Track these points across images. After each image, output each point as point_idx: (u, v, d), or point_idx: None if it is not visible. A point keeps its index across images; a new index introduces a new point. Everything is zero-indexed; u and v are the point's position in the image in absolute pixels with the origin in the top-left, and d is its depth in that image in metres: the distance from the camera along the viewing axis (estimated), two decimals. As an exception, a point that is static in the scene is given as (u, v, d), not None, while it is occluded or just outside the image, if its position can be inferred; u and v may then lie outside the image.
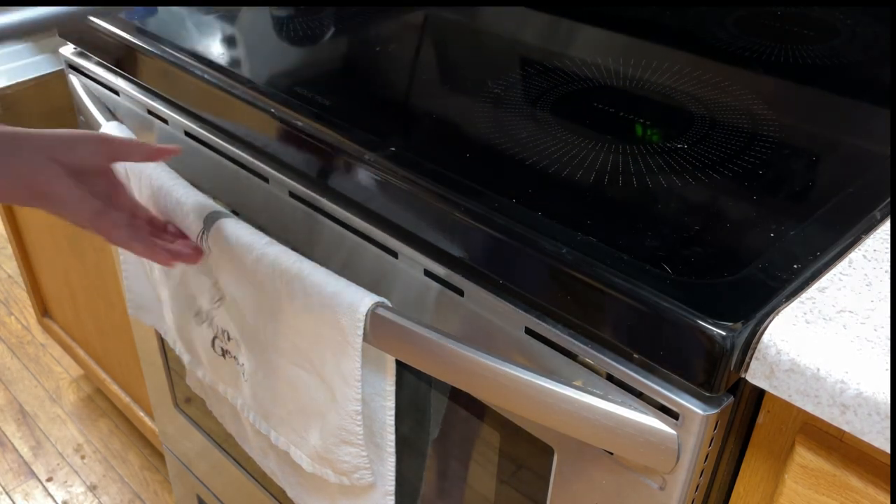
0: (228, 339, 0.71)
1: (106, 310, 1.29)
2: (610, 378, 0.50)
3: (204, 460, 1.12)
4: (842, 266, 0.49)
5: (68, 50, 0.91)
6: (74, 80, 0.89)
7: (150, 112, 0.81)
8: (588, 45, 0.81)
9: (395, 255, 0.61)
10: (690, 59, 0.76)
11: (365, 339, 0.59)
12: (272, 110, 0.67)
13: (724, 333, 0.43)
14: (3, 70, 1.02)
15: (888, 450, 0.41)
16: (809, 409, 0.43)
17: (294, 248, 0.65)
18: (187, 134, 0.77)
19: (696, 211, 0.54)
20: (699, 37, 0.81)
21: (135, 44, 0.79)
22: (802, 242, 0.50)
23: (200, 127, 0.76)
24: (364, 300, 0.58)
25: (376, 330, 0.58)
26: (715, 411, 0.46)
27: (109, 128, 0.80)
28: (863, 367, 0.42)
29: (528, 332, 0.53)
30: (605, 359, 0.50)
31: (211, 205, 0.67)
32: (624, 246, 0.50)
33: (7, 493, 1.45)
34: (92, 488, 1.46)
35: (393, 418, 0.64)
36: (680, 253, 0.50)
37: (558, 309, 0.51)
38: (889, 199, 0.55)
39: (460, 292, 0.57)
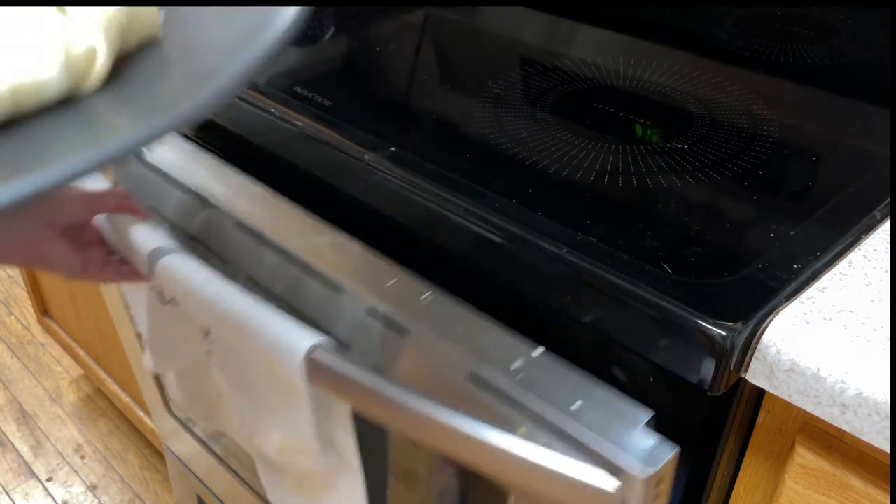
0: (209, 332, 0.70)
1: (106, 310, 1.29)
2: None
3: (202, 461, 1.12)
4: (842, 266, 0.49)
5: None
6: None
7: None
8: (588, 45, 0.81)
9: (338, 289, 0.58)
10: (690, 59, 0.76)
11: (308, 381, 0.56)
12: (272, 110, 0.67)
13: (724, 333, 0.43)
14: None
15: (888, 450, 0.41)
16: (809, 409, 0.43)
17: (243, 277, 0.64)
18: (136, 159, 0.74)
19: (696, 211, 0.54)
20: (699, 37, 0.81)
21: (135, 44, 0.79)
22: (802, 242, 0.50)
23: (145, 154, 0.73)
24: (301, 345, 0.54)
25: (315, 373, 0.55)
26: (653, 471, 0.44)
27: None
28: (863, 367, 0.42)
29: (472, 377, 0.51)
30: (549, 410, 0.47)
31: (154, 239, 0.64)
32: (624, 246, 0.50)
33: (7, 493, 1.45)
34: (92, 488, 1.46)
35: (354, 438, 0.61)
36: (680, 253, 0.50)
37: (558, 309, 0.51)
38: (889, 199, 0.55)
39: (405, 332, 0.55)
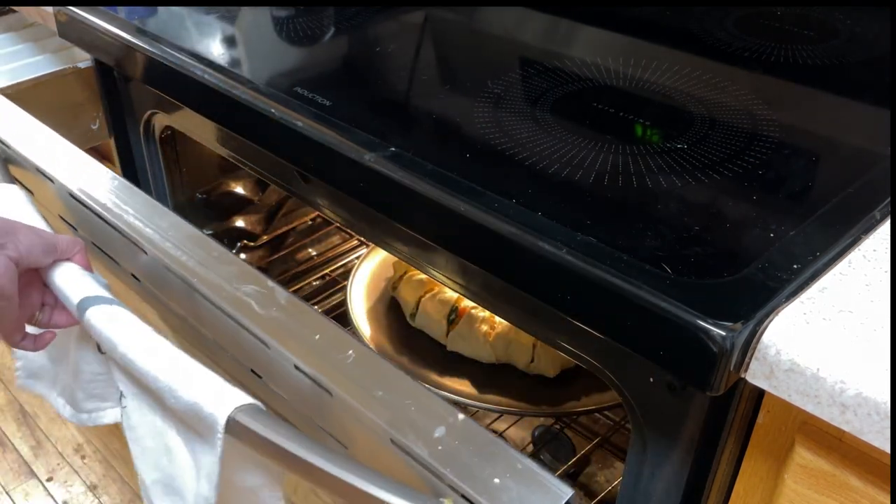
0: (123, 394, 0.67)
1: (106, 310, 1.29)
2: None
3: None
4: (841, 266, 0.49)
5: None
6: None
7: (38, 171, 0.76)
8: (588, 45, 0.81)
9: (266, 344, 0.58)
10: (690, 59, 0.76)
11: (230, 440, 0.54)
12: (272, 111, 0.67)
13: (724, 333, 0.43)
14: (3, 70, 1.02)
15: (888, 449, 0.41)
16: (809, 409, 0.43)
17: (183, 316, 0.63)
18: (72, 196, 0.73)
19: (696, 211, 0.54)
20: (699, 37, 0.81)
21: (135, 44, 0.79)
22: (802, 242, 0.50)
23: (82, 192, 0.72)
24: (220, 411, 0.53)
25: (237, 435, 0.54)
26: None
27: (4, 190, 0.73)
28: (863, 367, 0.42)
29: (395, 443, 0.50)
30: (470, 484, 0.47)
31: (84, 289, 0.62)
32: (624, 246, 0.50)
33: (7, 493, 1.45)
34: (92, 488, 1.46)
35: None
36: (680, 253, 0.50)
37: (557, 308, 0.51)
38: (889, 199, 0.55)
39: (329, 392, 0.54)
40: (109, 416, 0.74)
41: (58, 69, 0.98)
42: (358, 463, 0.48)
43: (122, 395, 0.65)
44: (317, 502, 0.67)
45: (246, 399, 0.53)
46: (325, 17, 0.87)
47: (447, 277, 0.64)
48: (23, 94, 0.95)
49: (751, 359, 0.45)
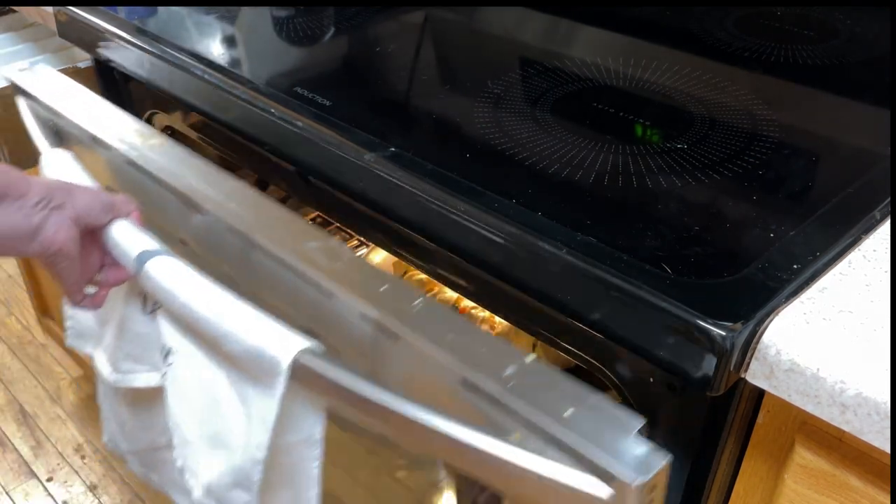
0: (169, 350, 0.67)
1: (106, 310, 1.29)
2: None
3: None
4: (841, 266, 0.49)
5: (15, 70, 0.85)
6: (21, 103, 0.83)
7: (94, 140, 0.76)
8: (588, 45, 0.81)
9: (330, 296, 0.58)
10: (690, 59, 0.76)
11: (290, 385, 0.55)
12: (272, 110, 0.67)
13: (724, 333, 0.43)
14: (3, 70, 1.02)
15: (888, 449, 0.41)
16: (809, 409, 0.43)
17: (235, 282, 0.63)
18: (129, 163, 0.73)
19: (696, 211, 0.54)
20: (699, 37, 0.81)
21: (135, 44, 0.79)
22: (802, 242, 0.50)
23: (140, 158, 0.72)
24: (284, 353, 0.53)
25: (301, 379, 0.54)
26: (646, 478, 0.44)
27: (54, 154, 0.75)
28: (862, 367, 0.42)
29: (464, 383, 0.50)
30: (541, 417, 0.47)
31: (144, 242, 0.64)
32: (624, 246, 0.50)
33: (7, 493, 1.45)
34: (92, 488, 1.46)
35: (318, 470, 0.59)
36: (680, 253, 0.50)
37: (557, 309, 0.51)
38: (889, 200, 0.55)
39: (396, 338, 0.54)
40: (141, 379, 0.75)
41: (58, 69, 0.98)
42: (427, 404, 0.48)
43: (168, 352, 0.66)
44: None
45: (309, 342, 0.53)
46: (325, 17, 0.87)
47: (447, 277, 0.64)
48: (23, 94, 0.95)
49: (751, 359, 0.45)
